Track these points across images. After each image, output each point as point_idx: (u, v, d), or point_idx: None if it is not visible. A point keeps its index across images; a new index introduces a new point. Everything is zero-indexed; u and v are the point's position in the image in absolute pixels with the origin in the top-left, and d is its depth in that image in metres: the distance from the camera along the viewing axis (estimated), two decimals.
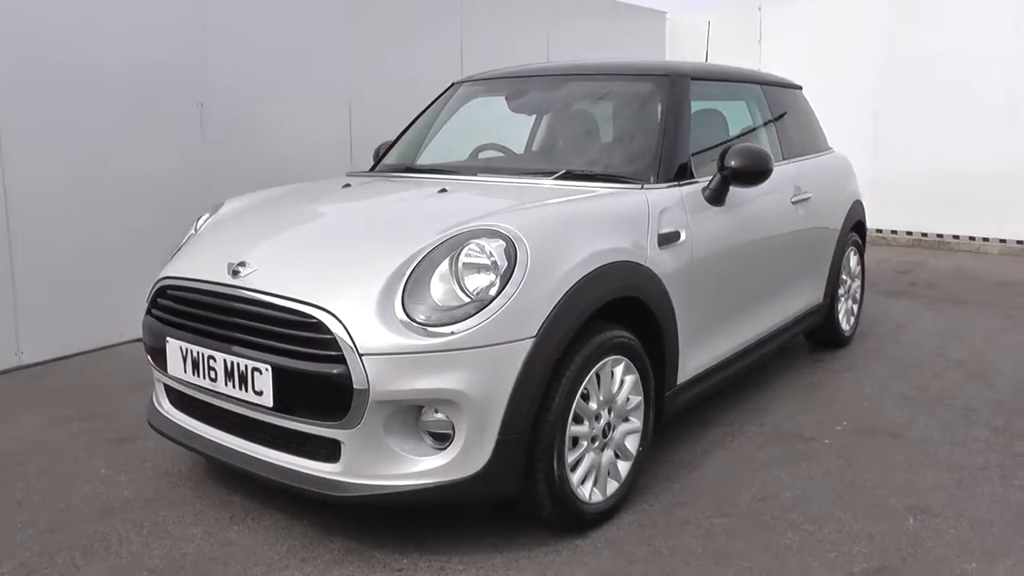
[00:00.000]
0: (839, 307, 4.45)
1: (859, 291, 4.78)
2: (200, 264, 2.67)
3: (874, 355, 4.43)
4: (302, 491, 2.35)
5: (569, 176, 3.01)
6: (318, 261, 2.50)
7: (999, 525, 2.57)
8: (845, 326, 4.55)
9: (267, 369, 2.29)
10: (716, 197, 3.08)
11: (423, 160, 3.63)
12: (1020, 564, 2.36)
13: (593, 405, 2.48)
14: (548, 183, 2.98)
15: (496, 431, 2.24)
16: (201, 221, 3.13)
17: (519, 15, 7.42)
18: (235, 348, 2.38)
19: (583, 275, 2.41)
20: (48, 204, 4.25)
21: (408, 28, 6.25)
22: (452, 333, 2.19)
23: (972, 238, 7.91)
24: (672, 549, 2.44)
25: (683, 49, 9.47)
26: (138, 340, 3.20)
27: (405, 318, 2.22)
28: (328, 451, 2.32)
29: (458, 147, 3.62)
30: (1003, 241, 7.77)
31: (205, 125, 4.90)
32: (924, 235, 8.20)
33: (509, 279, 2.27)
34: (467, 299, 2.25)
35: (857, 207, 4.61)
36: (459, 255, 2.31)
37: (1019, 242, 7.70)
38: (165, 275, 2.73)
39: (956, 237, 8.00)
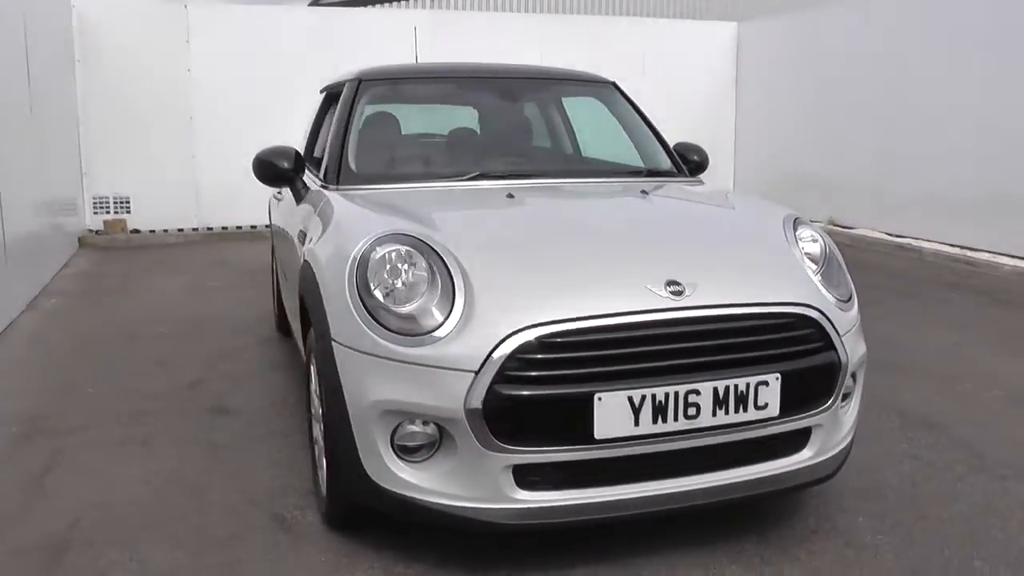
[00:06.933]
0: None
1: None
2: (574, 301, 2.12)
3: None
4: (778, 492, 2.38)
5: (648, 174, 3.34)
6: (727, 264, 2.40)
7: None
8: None
9: (776, 378, 2.18)
10: None
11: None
12: None
13: None
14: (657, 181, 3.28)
15: None
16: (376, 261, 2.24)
17: None
18: (729, 371, 2.14)
19: None
20: None
21: None
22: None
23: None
24: None
25: (93, 44, 8.26)
26: None
27: (833, 298, 2.44)
28: (794, 443, 2.35)
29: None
30: None
31: None
32: None
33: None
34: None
35: None
36: (805, 239, 2.61)
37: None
38: (528, 324, 2.04)
39: None
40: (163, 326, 5.11)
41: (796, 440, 2.36)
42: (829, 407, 2.35)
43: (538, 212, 2.78)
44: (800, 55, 9.41)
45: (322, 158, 3.69)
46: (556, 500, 2.11)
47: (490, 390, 2.00)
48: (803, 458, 2.37)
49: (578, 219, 2.72)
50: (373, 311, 2.17)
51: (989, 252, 6.52)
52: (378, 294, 2.19)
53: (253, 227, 8.80)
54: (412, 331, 2.12)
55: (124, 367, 4.29)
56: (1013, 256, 6.44)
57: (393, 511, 2.22)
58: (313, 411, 2.72)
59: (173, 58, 8.45)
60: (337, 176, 3.08)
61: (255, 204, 8.74)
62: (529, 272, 2.24)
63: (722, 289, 2.24)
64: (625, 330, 2.09)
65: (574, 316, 2.06)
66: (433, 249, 2.24)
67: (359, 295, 2.20)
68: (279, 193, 4.12)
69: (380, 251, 2.24)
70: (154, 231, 8.48)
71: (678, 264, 2.29)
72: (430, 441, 2.14)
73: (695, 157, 3.62)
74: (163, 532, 2.56)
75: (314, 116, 4.16)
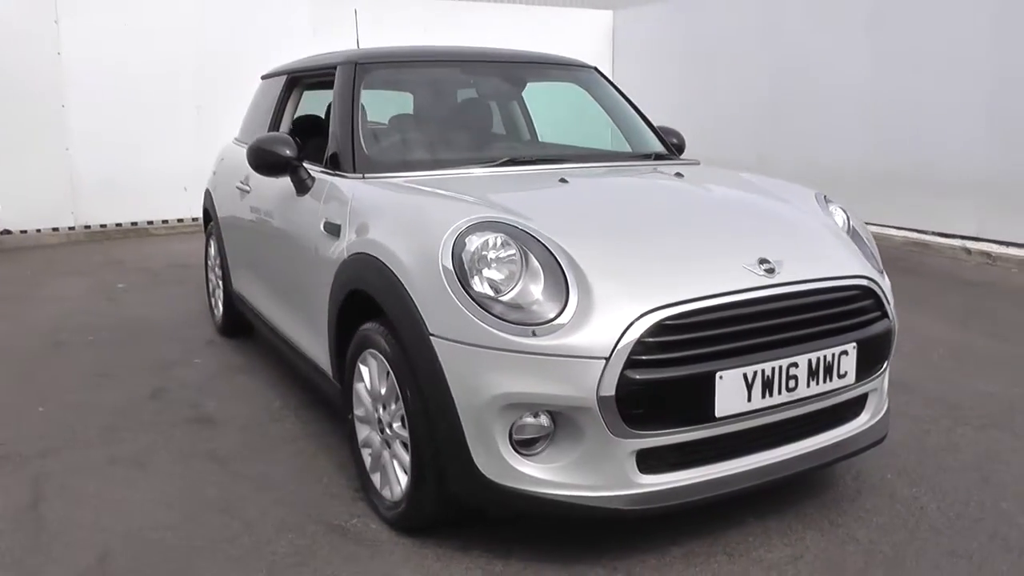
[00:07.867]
0: None
1: None
2: (687, 283, 2.14)
3: None
4: (849, 455, 2.49)
5: (658, 157, 3.39)
6: (800, 241, 2.50)
7: None
8: None
9: (853, 347, 2.30)
10: None
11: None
12: None
13: None
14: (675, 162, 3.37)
15: None
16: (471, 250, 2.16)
17: None
18: (818, 343, 2.24)
19: None
20: None
21: None
22: None
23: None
24: None
25: None
26: None
27: (871, 268, 2.60)
28: (855, 409, 2.50)
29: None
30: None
31: None
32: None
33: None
34: None
35: None
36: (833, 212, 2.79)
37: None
38: (652, 308, 2.04)
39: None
40: (87, 333, 4.65)
41: (856, 405, 2.50)
42: (884, 371, 2.52)
43: (604, 196, 2.76)
44: (677, 39, 9.79)
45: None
46: (674, 481, 2.14)
47: (621, 376, 1.99)
48: (862, 421, 2.52)
49: (648, 203, 2.73)
50: (481, 302, 2.09)
51: (879, 225, 7.12)
52: (479, 284, 2.12)
53: (134, 223, 8.14)
54: (527, 320, 2.06)
55: (65, 381, 3.88)
56: (901, 228, 7.08)
57: (509, 507, 2.16)
58: (361, 413, 2.58)
59: (40, 40, 7.60)
60: (353, 164, 2.92)
61: (140, 199, 8.16)
62: (632, 255, 2.23)
63: (805, 265, 2.34)
64: (739, 308, 2.14)
65: (693, 297, 2.09)
66: (531, 235, 2.18)
67: (461, 287, 2.11)
68: (243, 183, 3.85)
69: (475, 239, 2.16)
70: (26, 231, 7.64)
71: (763, 243, 2.36)
72: (544, 433, 2.10)
73: (674, 140, 3.73)
74: (220, 556, 2.36)
75: (273, 103, 3.91)
